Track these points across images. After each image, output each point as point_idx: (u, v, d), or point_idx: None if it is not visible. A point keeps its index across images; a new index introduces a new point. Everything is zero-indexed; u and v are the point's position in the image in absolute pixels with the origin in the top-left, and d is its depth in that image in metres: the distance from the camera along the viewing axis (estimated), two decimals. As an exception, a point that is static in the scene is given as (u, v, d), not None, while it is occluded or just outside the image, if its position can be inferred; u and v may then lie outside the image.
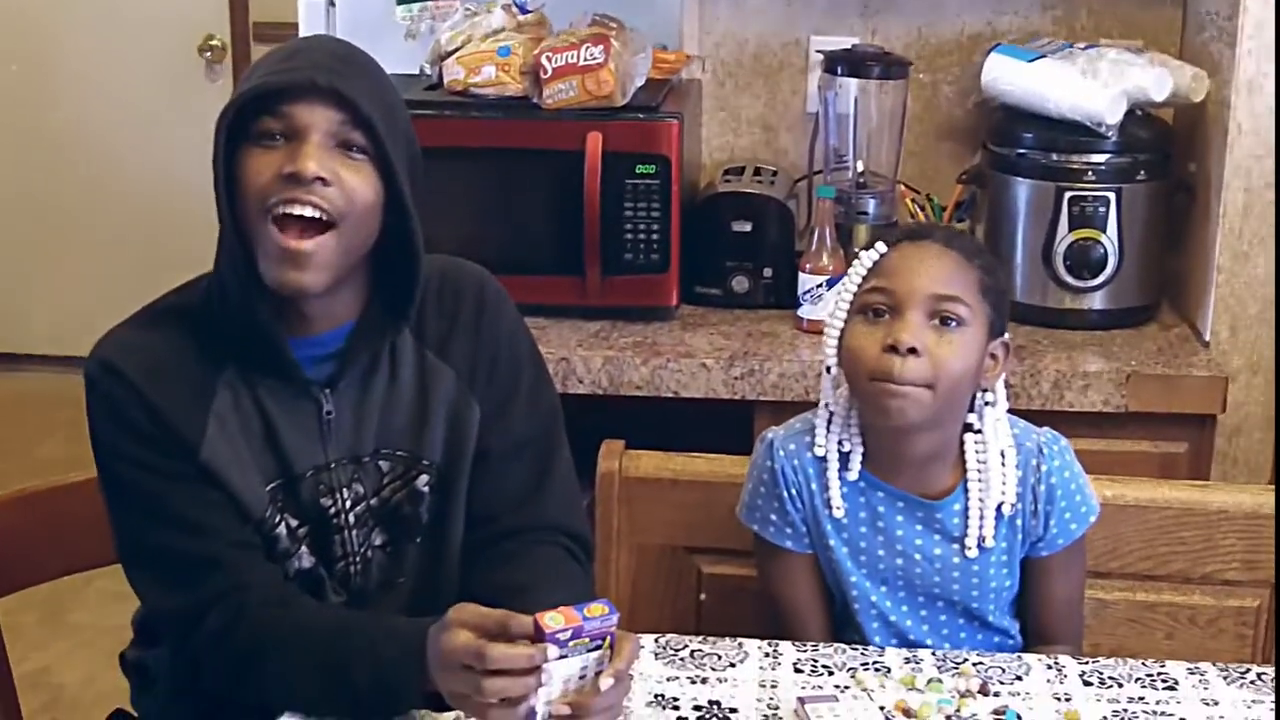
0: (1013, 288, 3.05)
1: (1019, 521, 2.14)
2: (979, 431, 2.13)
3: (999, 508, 2.12)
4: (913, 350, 2.02)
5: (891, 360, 2.02)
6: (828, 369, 2.14)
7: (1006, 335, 2.14)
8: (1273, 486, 2.49)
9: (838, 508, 2.16)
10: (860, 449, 2.15)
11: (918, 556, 2.16)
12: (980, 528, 2.13)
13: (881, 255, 2.10)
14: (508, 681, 1.72)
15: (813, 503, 2.18)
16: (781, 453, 2.19)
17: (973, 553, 2.14)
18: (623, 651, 1.77)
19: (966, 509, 2.13)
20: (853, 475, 2.16)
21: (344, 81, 1.92)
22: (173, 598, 1.98)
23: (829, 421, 2.17)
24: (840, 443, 2.16)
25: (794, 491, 2.18)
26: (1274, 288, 2.97)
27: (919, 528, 2.15)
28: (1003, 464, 2.12)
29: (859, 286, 2.10)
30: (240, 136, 1.93)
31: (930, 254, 2.08)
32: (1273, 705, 1.98)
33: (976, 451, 2.13)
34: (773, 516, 2.20)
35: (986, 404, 2.13)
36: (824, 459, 2.16)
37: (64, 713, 3.93)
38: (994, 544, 2.14)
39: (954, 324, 2.05)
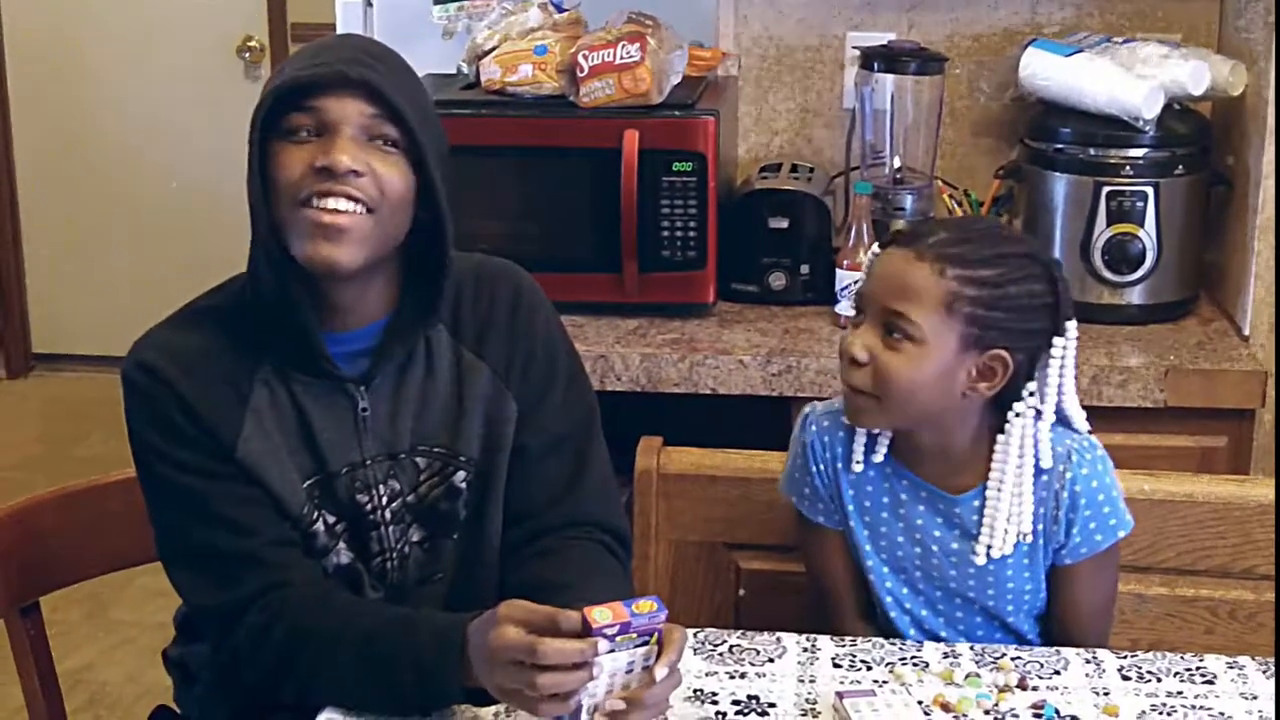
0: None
1: (1040, 526, 2.12)
2: (1007, 437, 2.09)
3: (1020, 535, 2.11)
4: (854, 360, 2.04)
5: (843, 363, 2.06)
6: None
7: (1016, 349, 2.04)
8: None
9: (857, 462, 2.16)
10: (888, 433, 2.16)
11: (935, 548, 2.16)
12: (990, 538, 2.11)
13: (875, 256, 2.10)
14: (559, 676, 1.73)
15: (835, 479, 2.19)
16: (814, 427, 2.21)
17: (980, 560, 2.13)
18: (672, 642, 1.78)
19: (983, 509, 2.12)
20: (878, 457, 2.16)
21: (374, 75, 1.93)
22: (213, 595, 1.99)
23: None
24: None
25: (821, 467, 2.20)
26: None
27: (939, 520, 2.15)
28: (1019, 483, 2.08)
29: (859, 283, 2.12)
30: (271, 133, 1.94)
31: (896, 264, 2.04)
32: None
33: (998, 460, 2.10)
34: (806, 490, 2.23)
35: (1016, 415, 2.08)
36: (854, 428, 2.16)
37: (106, 710, 3.95)
38: (1012, 552, 2.13)
39: (901, 337, 2.02)
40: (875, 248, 2.10)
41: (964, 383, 2.04)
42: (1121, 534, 2.14)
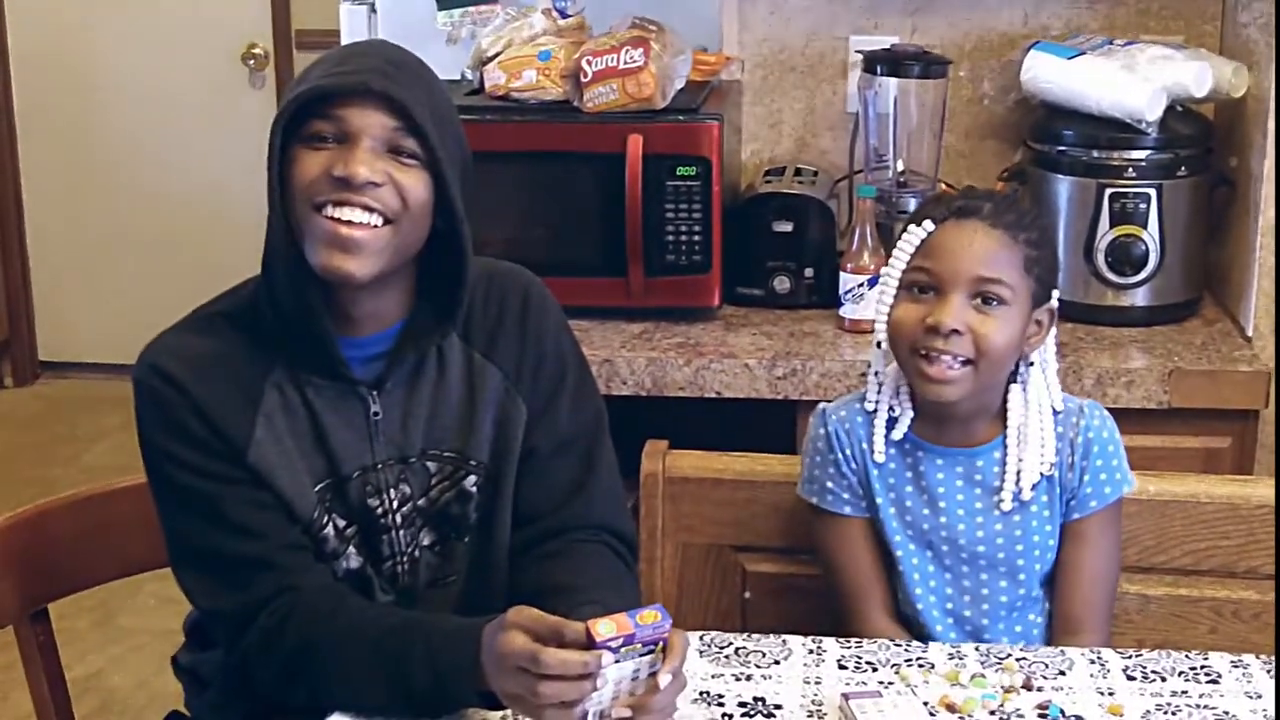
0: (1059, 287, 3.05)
1: (1056, 474, 2.20)
2: (1024, 386, 2.20)
3: (1041, 473, 2.18)
4: (955, 331, 2.10)
5: (934, 338, 2.10)
6: (878, 344, 2.21)
7: (1053, 299, 2.20)
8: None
9: (879, 452, 2.22)
10: (910, 413, 2.22)
11: (960, 512, 2.21)
12: (1017, 482, 2.18)
13: (929, 234, 2.15)
14: (563, 685, 1.74)
15: (863, 461, 2.24)
16: (834, 418, 2.26)
17: (1006, 505, 2.18)
18: (674, 648, 1.78)
19: (1005, 459, 2.19)
20: (898, 435, 2.22)
21: (396, 87, 1.93)
22: (223, 599, 2.01)
23: (879, 388, 2.24)
24: (891, 408, 2.23)
25: (847, 452, 2.25)
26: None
27: (959, 483, 2.21)
28: (1040, 422, 2.19)
29: (906, 264, 2.16)
30: (292, 138, 1.95)
31: (974, 235, 2.13)
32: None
33: (1017, 408, 2.19)
34: (829, 484, 2.26)
35: (1029, 364, 2.20)
36: (873, 414, 2.23)
37: (115, 716, 3.96)
38: (1031, 496, 2.18)
39: (995, 303, 2.12)
40: (928, 224, 2.15)
41: (1024, 338, 2.16)
42: (1126, 489, 2.24)
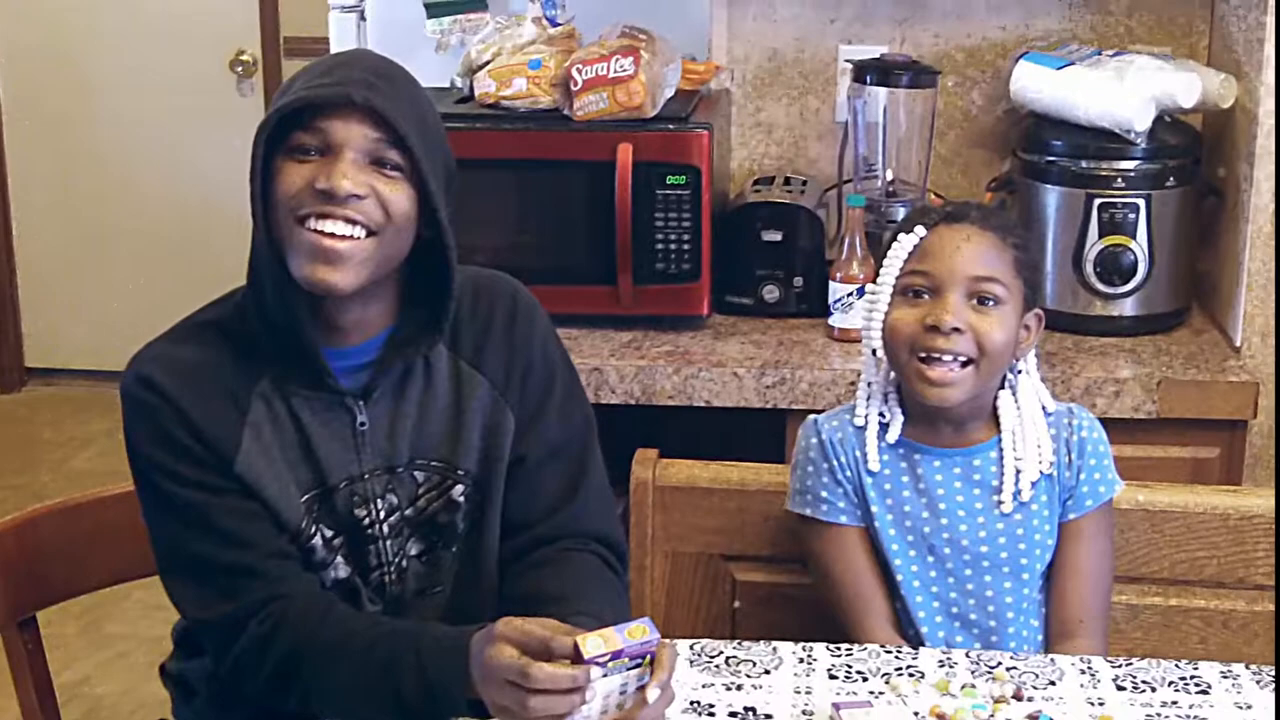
0: (1044, 295, 3.06)
1: (1055, 473, 2.22)
2: (1013, 391, 2.23)
3: (1041, 471, 2.21)
4: (956, 329, 2.12)
5: (934, 338, 2.13)
6: (873, 351, 2.22)
7: (1037, 307, 2.24)
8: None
9: (873, 461, 2.22)
10: (900, 418, 2.24)
11: (961, 513, 2.21)
12: (1016, 482, 2.19)
13: (921, 239, 2.17)
14: (551, 699, 1.74)
15: (857, 469, 2.25)
16: (826, 427, 2.27)
17: (1007, 507, 2.20)
18: (663, 662, 1.78)
19: (1001, 460, 2.21)
20: (891, 438, 2.23)
21: (380, 98, 1.93)
22: (212, 608, 2.00)
23: (869, 397, 2.25)
24: (881, 414, 2.25)
25: (841, 460, 2.25)
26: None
27: (957, 484, 2.22)
28: (1034, 422, 2.21)
29: (900, 270, 2.18)
30: (276, 149, 1.95)
31: (968, 236, 2.17)
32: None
33: (1009, 413, 2.22)
34: (823, 493, 2.26)
35: (1019, 372, 2.22)
36: (864, 427, 2.24)
37: (102, 724, 3.96)
38: (1031, 495, 2.20)
39: (991, 302, 2.15)
40: (919, 229, 2.18)
41: (1017, 341, 2.19)
42: (1119, 488, 2.26)
